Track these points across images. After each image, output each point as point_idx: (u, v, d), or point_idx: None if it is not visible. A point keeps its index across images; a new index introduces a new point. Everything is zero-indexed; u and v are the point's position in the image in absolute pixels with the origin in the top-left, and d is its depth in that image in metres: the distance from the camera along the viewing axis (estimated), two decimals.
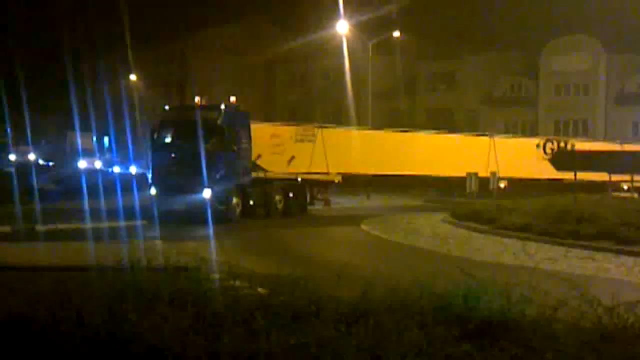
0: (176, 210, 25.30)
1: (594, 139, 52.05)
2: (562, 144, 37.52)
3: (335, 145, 31.18)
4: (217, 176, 25.63)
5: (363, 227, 24.76)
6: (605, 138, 53.88)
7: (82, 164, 48.27)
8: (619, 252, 17.92)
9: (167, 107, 28.79)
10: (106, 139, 62.80)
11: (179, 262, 9.42)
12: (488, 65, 66.69)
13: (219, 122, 26.01)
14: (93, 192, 29.84)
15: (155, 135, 27.22)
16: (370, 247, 20.47)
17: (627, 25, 61.73)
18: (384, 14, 56.11)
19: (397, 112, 65.01)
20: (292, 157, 29.46)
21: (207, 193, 25.04)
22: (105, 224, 22.73)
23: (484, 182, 33.28)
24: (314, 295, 7.17)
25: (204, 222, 22.75)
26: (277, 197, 28.67)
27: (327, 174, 30.75)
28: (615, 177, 30.98)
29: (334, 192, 34.88)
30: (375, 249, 19.91)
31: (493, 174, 33.77)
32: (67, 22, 64.02)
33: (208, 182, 24.92)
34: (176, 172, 25.78)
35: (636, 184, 32.23)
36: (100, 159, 53.64)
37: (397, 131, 36.98)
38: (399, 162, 33.44)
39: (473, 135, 39.84)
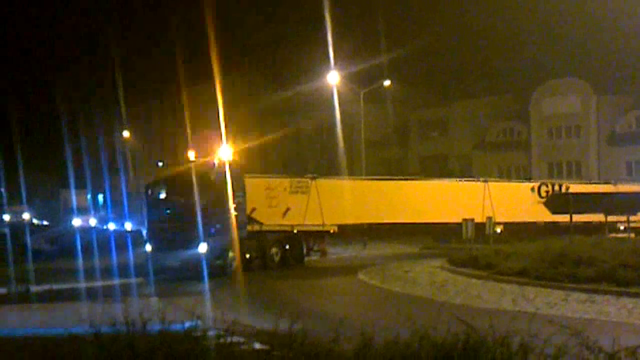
0: (172, 266, 25.18)
1: (588, 180, 52.16)
2: (556, 187, 37.55)
3: (330, 196, 31.17)
4: (213, 231, 25.58)
5: (360, 277, 24.61)
6: (599, 179, 54.02)
7: (77, 221, 48.15)
8: (618, 295, 17.80)
9: (160, 164, 28.86)
10: (100, 196, 62.79)
11: (174, 319, 9.32)
12: (479, 111, 67.20)
13: (212, 177, 26.06)
14: (88, 250, 29.73)
15: (150, 192, 27.23)
16: (368, 298, 20.31)
17: (616, 67, 62.47)
18: (374, 64, 56.66)
19: (390, 160, 65.28)
20: (287, 209, 29.44)
21: (202, 248, 24.95)
22: (100, 283, 22.58)
23: (480, 228, 33.19)
24: (312, 350, 7.08)
25: (200, 277, 22.63)
26: (274, 249, 28.58)
27: (323, 224, 30.70)
28: (611, 218, 30.97)
29: (330, 242, 34.77)
30: (373, 299, 19.76)
31: (489, 219, 33.71)
32: (60, 79, 64.55)
33: (203, 237, 24.84)
34: (171, 228, 25.73)
35: (632, 224, 32.22)
36: (95, 216, 53.56)
37: (391, 179, 37.01)
38: (394, 210, 33.39)
39: (467, 180, 39.91)
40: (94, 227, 46.32)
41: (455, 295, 19.11)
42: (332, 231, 31.39)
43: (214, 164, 26.59)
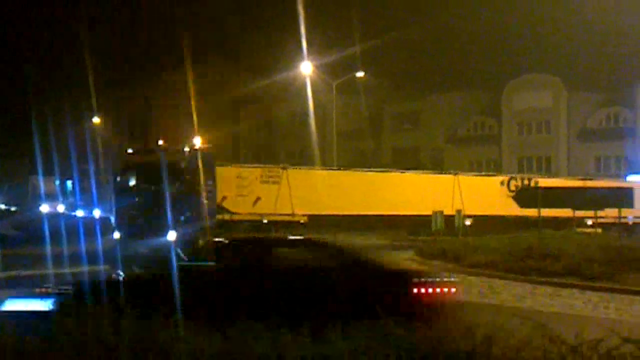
0: (140, 254, 24.96)
1: (558, 175, 52.64)
2: (525, 181, 37.83)
3: (301, 186, 31.14)
4: (182, 218, 25.42)
5: None
6: (569, 174, 54.52)
7: (45, 208, 47.61)
8: (584, 289, 17.99)
9: (130, 150, 28.59)
10: (69, 183, 62.21)
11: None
12: (452, 105, 67.52)
13: (182, 164, 25.89)
14: (55, 237, 29.36)
15: (119, 179, 27.00)
16: None
17: (587, 64, 63.05)
18: (348, 55, 56.62)
19: (362, 151, 65.35)
20: (258, 199, 29.38)
21: (171, 236, 24.78)
22: (67, 270, 22.30)
23: (449, 220, 33.34)
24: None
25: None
26: None
27: (293, 214, 30.67)
28: (579, 213, 31.25)
29: (300, 233, 34.72)
30: None
31: (458, 212, 33.87)
32: (31, 65, 63.76)
33: (172, 225, 24.66)
34: (140, 216, 25.53)
35: (600, 220, 32.55)
36: (63, 202, 53.01)
37: (363, 171, 37.07)
38: (366, 202, 33.46)
39: (438, 173, 40.07)
40: (62, 214, 45.82)
41: None
42: (302, 221, 31.37)
43: (185, 152, 26.42)
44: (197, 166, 26.42)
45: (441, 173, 40.10)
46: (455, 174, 37.56)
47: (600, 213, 31.25)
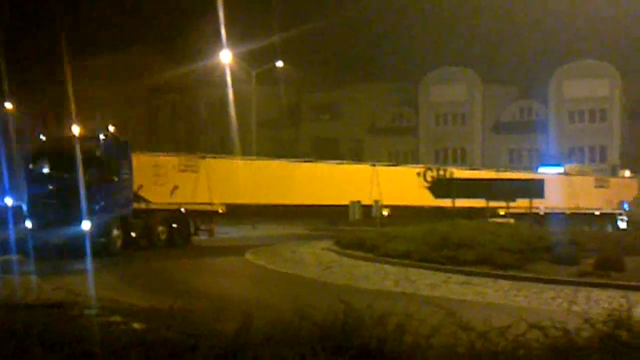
0: (54, 244, 24.42)
1: (473, 166, 53.81)
2: (441, 172, 38.54)
3: (220, 175, 30.96)
4: (97, 208, 24.93)
5: (248, 257, 24.60)
6: (483, 166, 55.81)
7: None
8: (496, 277, 18.47)
9: (43, 137, 27.82)
10: None
11: (53, 298, 9.06)
12: (371, 96, 68.17)
13: (97, 152, 25.37)
14: None
15: (31, 166, 26.27)
16: (254, 278, 20.33)
17: (502, 58, 64.51)
18: (269, 45, 56.46)
19: (282, 141, 65.35)
20: (175, 188, 29.06)
21: (86, 225, 24.28)
22: None
23: (367, 210, 33.75)
24: (191, 329, 7.02)
25: (83, 255, 22.02)
26: (160, 228, 28.16)
27: (211, 204, 30.47)
28: (492, 204, 32.07)
29: (219, 222, 34.58)
30: (259, 280, 19.79)
31: (376, 202, 34.30)
32: None
33: (87, 214, 24.17)
34: (53, 204, 24.89)
35: (512, 210, 33.48)
36: None
37: (282, 161, 37.11)
38: (284, 191, 33.52)
39: (357, 164, 40.44)
40: None
41: (340, 276, 19.36)
42: (220, 211, 31.21)
43: (100, 140, 25.88)
44: (113, 154, 25.95)
45: (359, 163, 40.49)
46: (374, 165, 37.97)
47: (512, 204, 32.16)
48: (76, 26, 69.64)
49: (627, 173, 50.94)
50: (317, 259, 23.54)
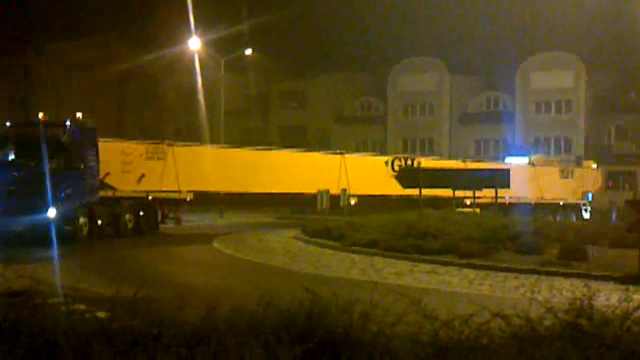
0: (18, 231, 24.13)
1: (440, 156, 54.15)
2: (409, 162, 38.69)
3: (187, 163, 30.83)
4: (62, 195, 24.67)
5: (215, 245, 24.56)
6: (450, 156, 56.18)
7: None
8: (461, 266, 18.67)
9: (8, 123, 27.43)
10: None
11: (16, 286, 8.96)
12: (339, 85, 68.23)
13: (63, 139, 25.10)
14: None
15: None
16: (221, 266, 20.30)
17: (469, 49, 64.88)
18: (237, 32, 56.22)
19: (250, 129, 65.18)
20: (142, 175, 28.88)
21: (51, 213, 24.02)
22: None
23: (335, 199, 33.82)
24: (155, 318, 6.99)
25: (48, 243, 21.80)
26: (127, 216, 27.98)
27: (179, 192, 30.34)
28: (459, 193, 32.29)
29: (186, 210, 34.44)
30: (226, 268, 19.77)
31: (344, 191, 34.37)
32: None
33: (52, 202, 23.91)
34: (18, 192, 24.53)
35: (478, 200, 33.74)
36: None
37: (250, 149, 37.03)
38: (252, 179, 33.47)
39: (325, 153, 40.50)
40: None
41: (307, 264, 19.43)
42: (188, 199, 31.09)
43: (66, 126, 25.59)
44: (79, 141, 25.68)
45: (328, 152, 40.55)
46: (342, 154, 38.04)
47: (478, 193, 32.41)
48: (41, 12, 68.73)
49: (592, 164, 51.59)
50: (285, 248, 23.58)
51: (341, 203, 33.91)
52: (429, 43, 65.73)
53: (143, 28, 68.28)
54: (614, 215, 43.08)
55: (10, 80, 68.06)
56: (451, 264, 18.97)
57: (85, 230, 25.64)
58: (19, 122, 29.81)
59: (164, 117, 69.47)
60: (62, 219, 24.41)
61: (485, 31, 65.89)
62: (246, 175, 33.26)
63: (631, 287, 13.78)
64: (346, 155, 38.04)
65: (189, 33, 48.86)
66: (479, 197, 33.35)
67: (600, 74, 60.36)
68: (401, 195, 35.24)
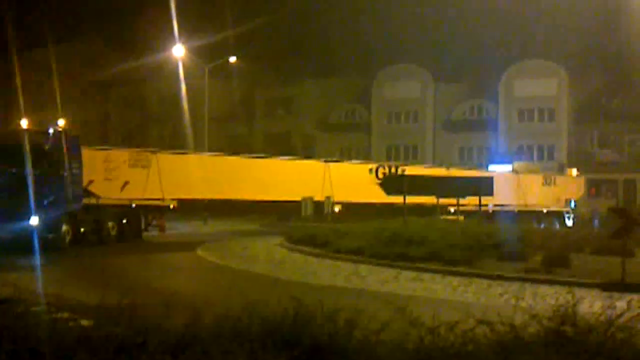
0: (1, 240, 23.92)
1: (424, 164, 54.26)
2: (393, 169, 38.77)
3: (171, 171, 30.73)
4: (45, 203, 24.49)
5: (199, 253, 24.48)
6: (434, 163, 56.32)
7: None
8: (445, 273, 18.68)
9: None
10: None
11: None
12: (324, 92, 68.27)
13: (46, 146, 24.95)
14: None
15: None
16: (205, 274, 20.24)
17: (454, 56, 65.15)
18: (222, 39, 56.19)
19: (235, 136, 65.10)
20: (126, 183, 28.77)
21: (34, 221, 23.85)
22: None
23: (319, 206, 33.84)
24: (139, 325, 6.95)
25: (31, 251, 21.64)
26: (110, 224, 27.86)
27: (162, 199, 30.24)
28: (443, 201, 32.38)
29: (170, 218, 34.32)
30: (210, 276, 19.70)
31: (328, 198, 34.39)
32: None
33: (35, 210, 23.73)
34: (0, 200, 24.36)
35: (462, 207, 33.85)
36: None
37: (234, 156, 36.97)
38: (236, 187, 33.40)
39: (309, 160, 40.49)
40: None
41: (292, 272, 19.39)
42: (172, 206, 31.00)
43: (49, 133, 25.45)
44: (62, 148, 25.52)
45: (312, 159, 40.54)
46: (326, 161, 38.05)
47: (462, 201, 32.51)
48: (24, 17, 68.40)
49: (574, 172, 51.86)
50: (269, 255, 23.54)
51: (325, 210, 33.93)
52: (413, 51, 65.94)
53: (127, 35, 68.15)
54: (596, 223, 43.34)
55: None
56: (436, 271, 18.98)
57: (68, 238, 25.49)
58: (1, 129, 29.68)
59: (148, 124, 69.25)
60: (45, 226, 24.24)
61: (470, 39, 66.22)
62: (230, 183, 33.20)
63: (614, 294, 13.91)
64: (330, 163, 38.07)
65: (173, 40, 48.79)
66: (462, 205, 33.46)
67: (583, 82, 60.75)
68: (385, 203, 35.28)
